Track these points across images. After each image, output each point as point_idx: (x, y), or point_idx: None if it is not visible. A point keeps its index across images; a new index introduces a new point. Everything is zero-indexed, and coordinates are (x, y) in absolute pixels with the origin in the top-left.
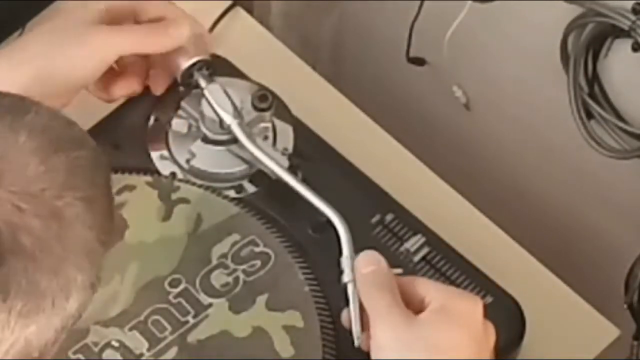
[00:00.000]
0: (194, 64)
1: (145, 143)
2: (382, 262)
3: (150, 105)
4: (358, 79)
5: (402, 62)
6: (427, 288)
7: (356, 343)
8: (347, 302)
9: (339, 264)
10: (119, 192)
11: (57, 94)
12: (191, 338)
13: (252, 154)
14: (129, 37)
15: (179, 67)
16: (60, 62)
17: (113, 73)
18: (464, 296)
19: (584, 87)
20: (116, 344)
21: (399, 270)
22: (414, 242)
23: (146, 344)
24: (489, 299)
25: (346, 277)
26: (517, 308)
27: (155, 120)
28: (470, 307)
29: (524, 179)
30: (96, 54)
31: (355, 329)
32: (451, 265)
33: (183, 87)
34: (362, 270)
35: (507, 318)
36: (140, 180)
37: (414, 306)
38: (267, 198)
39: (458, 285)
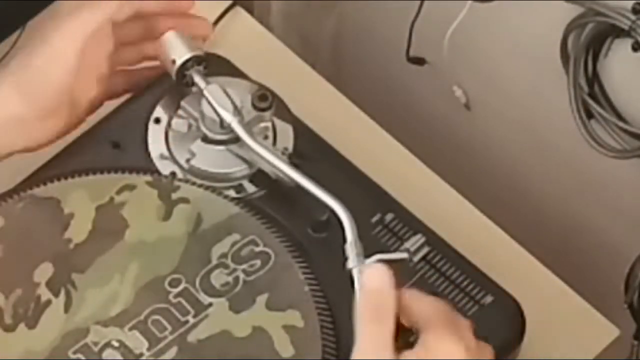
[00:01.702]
0: (187, 60)
1: (145, 143)
2: (386, 283)
3: (150, 105)
4: (358, 79)
5: (402, 62)
6: (417, 318)
7: None
8: (352, 287)
9: (343, 252)
10: (119, 192)
11: (51, 104)
12: (191, 338)
13: (252, 150)
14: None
15: (172, 64)
16: (32, 67)
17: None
18: (449, 332)
19: (584, 87)
20: (116, 344)
21: (405, 255)
22: (414, 242)
23: (146, 344)
24: (489, 299)
25: (351, 263)
26: (517, 308)
27: (155, 119)
28: (452, 348)
29: (524, 179)
30: (62, 40)
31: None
32: (451, 265)
33: (177, 83)
34: (365, 286)
35: (507, 318)
36: (140, 180)
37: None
38: (267, 198)
39: (458, 285)
